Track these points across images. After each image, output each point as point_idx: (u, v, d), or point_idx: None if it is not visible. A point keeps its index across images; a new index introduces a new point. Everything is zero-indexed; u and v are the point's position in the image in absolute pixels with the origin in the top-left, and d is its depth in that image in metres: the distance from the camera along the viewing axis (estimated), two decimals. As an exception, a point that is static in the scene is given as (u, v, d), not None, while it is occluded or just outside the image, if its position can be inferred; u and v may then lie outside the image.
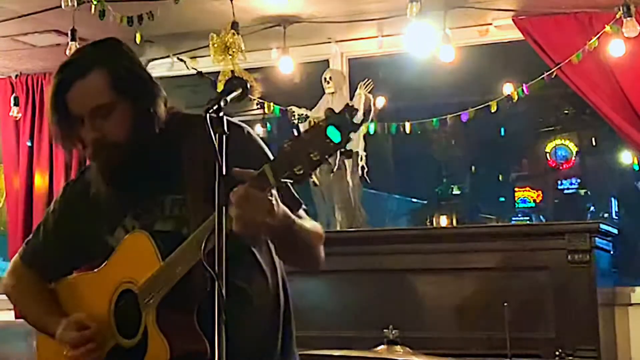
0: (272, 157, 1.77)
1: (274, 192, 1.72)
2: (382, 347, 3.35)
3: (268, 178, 1.66)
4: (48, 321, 2.13)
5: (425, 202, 10.96)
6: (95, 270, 2.11)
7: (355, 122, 1.59)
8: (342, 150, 1.59)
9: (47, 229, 2.22)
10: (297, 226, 1.86)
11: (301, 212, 1.97)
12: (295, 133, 1.64)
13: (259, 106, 4.66)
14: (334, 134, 1.57)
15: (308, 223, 1.95)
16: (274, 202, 1.72)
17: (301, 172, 1.62)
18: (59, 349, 2.07)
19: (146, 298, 1.92)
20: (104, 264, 2.08)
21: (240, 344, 1.81)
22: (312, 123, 1.67)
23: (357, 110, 1.60)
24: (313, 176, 1.57)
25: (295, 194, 1.96)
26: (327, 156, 1.59)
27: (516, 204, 10.38)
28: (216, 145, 1.67)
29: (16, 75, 5.42)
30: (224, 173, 1.67)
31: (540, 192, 10.39)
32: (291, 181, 1.66)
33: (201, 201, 1.81)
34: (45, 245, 2.22)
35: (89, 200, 2.11)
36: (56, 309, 2.15)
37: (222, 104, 1.73)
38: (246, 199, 1.67)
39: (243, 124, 2.05)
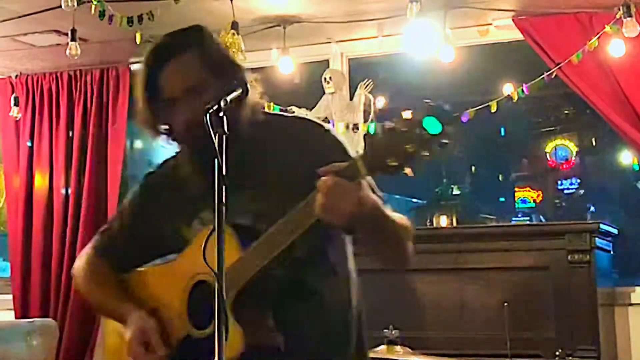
0: (353, 154, 1.77)
1: (365, 183, 1.71)
2: (382, 347, 3.35)
3: (359, 169, 1.65)
4: (121, 310, 2.09)
5: (425, 202, 10.96)
6: (169, 261, 2.09)
7: (451, 114, 1.56)
8: (439, 142, 1.56)
9: (123, 221, 2.20)
10: (386, 218, 1.84)
11: (387, 206, 1.94)
12: (387, 125, 1.61)
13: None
14: (432, 125, 1.55)
15: (396, 216, 1.92)
16: (362, 192, 1.70)
17: (394, 164, 1.60)
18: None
19: (225, 288, 1.91)
20: (179, 254, 2.05)
21: (312, 343, 1.85)
22: (409, 115, 1.60)
23: (448, 109, 1.57)
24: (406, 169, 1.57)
25: (376, 189, 1.93)
26: (423, 148, 1.56)
27: (516, 204, 10.38)
28: (216, 145, 1.67)
29: (16, 75, 5.41)
30: (224, 173, 1.67)
31: (540, 192, 10.39)
32: (383, 173, 1.64)
33: (283, 200, 1.81)
34: (120, 237, 2.19)
35: (169, 191, 2.10)
36: (126, 296, 2.12)
37: (222, 104, 1.73)
38: (333, 187, 1.67)
39: (323, 123, 2.06)
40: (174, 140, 2.03)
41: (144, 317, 2.02)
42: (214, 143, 1.68)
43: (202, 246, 1.71)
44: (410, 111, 1.59)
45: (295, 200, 1.79)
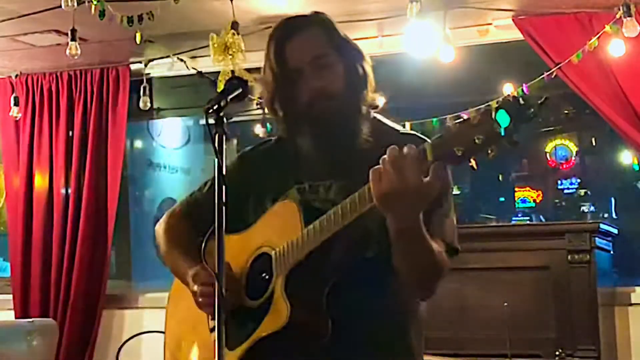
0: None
1: (435, 169, 1.67)
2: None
3: (427, 153, 1.64)
4: (184, 265, 2.14)
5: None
6: (243, 231, 2.12)
7: (529, 113, 1.53)
8: (509, 139, 1.53)
9: (212, 187, 2.21)
10: (424, 231, 1.80)
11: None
12: (465, 116, 1.62)
13: (259, 106, 4.66)
14: (502, 119, 1.53)
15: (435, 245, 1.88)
16: (430, 178, 1.65)
17: (460, 153, 1.58)
18: (188, 296, 2.09)
19: (280, 262, 1.95)
20: (253, 224, 2.10)
21: (361, 335, 1.89)
22: (486, 108, 1.59)
23: (534, 104, 1.54)
24: (472, 161, 1.56)
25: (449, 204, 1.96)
26: (491, 141, 1.55)
27: (516, 204, 10.37)
28: (216, 145, 1.67)
29: (16, 75, 5.42)
30: (224, 173, 1.67)
31: (540, 192, 10.38)
32: (448, 161, 1.64)
33: (365, 198, 1.80)
34: (207, 201, 2.17)
35: (265, 167, 2.14)
36: (196, 257, 2.11)
37: (222, 104, 1.73)
38: (397, 160, 1.65)
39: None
40: (290, 119, 2.05)
41: (208, 268, 2.03)
42: (213, 143, 1.68)
43: (202, 246, 1.71)
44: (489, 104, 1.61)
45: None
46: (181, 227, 2.26)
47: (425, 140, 1.99)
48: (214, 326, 2.00)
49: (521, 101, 1.53)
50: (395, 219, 1.75)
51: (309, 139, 2.01)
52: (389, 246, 1.83)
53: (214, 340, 1.78)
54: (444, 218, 1.95)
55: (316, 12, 2.13)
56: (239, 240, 2.12)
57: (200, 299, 2.03)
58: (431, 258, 1.87)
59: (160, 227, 2.29)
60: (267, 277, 1.98)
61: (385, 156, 1.68)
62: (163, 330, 2.32)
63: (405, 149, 1.67)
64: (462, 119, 1.61)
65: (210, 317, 2.09)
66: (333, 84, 1.99)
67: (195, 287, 2.04)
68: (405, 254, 1.84)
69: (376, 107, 2.10)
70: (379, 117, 2.13)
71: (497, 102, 1.55)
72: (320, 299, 1.89)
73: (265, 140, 2.25)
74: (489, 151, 1.56)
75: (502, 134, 1.52)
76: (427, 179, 1.65)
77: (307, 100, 1.99)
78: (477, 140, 1.55)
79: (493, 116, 1.53)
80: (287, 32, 2.05)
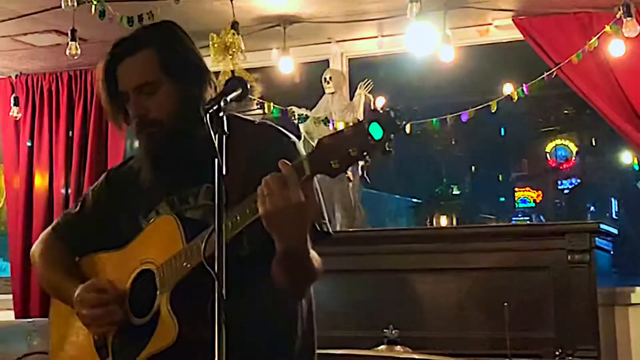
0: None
1: (312, 183, 1.73)
2: (382, 347, 3.35)
3: (304, 168, 1.69)
4: (67, 286, 2.15)
5: (425, 202, 10.96)
6: (121, 249, 2.12)
7: (398, 122, 1.60)
8: (382, 149, 1.60)
9: (86, 206, 2.25)
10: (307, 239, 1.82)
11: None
12: (338, 128, 1.65)
13: (258, 106, 4.66)
14: (375, 131, 1.59)
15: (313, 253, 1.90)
16: (308, 193, 1.71)
17: (337, 166, 1.63)
18: (71, 316, 2.15)
19: (163, 279, 1.95)
20: (131, 242, 2.10)
21: (249, 341, 1.85)
22: (357, 120, 1.65)
23: (403, 113, 1.61)
24: (348, 172, 1.62)
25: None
26: (364, 152, 1.61)
27: (516, 204, 10.38)
28: (216, 145, 1.67)
29: (16, 75, 5.42)
30: (224, 173, 1.67)
31: (540, 192, 10.39)
32: (326, 174, 1.67)
33: (235, 194, 1.81)
34: (80, 221, 2.25)
35: (131, 183, 2.15)
36: (78, 278, 2.15)
37: (222, 104, 1.73)
38: (279, 181, 1.69)
39: (290, 134, 2.07)
40: (132, 132, 2.09)
41: (90, 284, 2.08)
42: (213, 143, 1.68)
43: (203, 246, 1.71)
44: (359, 118, 1.65)
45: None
46: (57, 248, 2.26)
47: (287, 135, 2.07)
48: (104, 355, 2.08)
49: (392, 114, 1.60)
50: (282, 238, 1.77)
51: (152, 157, 2.04)
52: (262, 243, 1.83)
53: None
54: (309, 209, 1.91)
55: (163, 26, 2.13)
56: (117, 257, 2.12)
57: (89, 322, 2.06)
58: (311, 274, 1.90)
59: (35, 251, 2.29)
60: (151, 293, 1.97)
61: (266, 177, 1.71)
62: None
63: (282, 169, 1.70)
64: (334, 132, 1.67)
65: (95, 338, 2.12)
66: (156, 110, 1.99)
67: (82, 311, 2.06)
68: (288, 273, 1.86)
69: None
70: (235, 114, 2.12)
71: (367, 117, 1.61)
72: (206, 309, 1.83)
73: (131, 157, 2.27)
74: (365, 161, 1.63)
75: (376, 145, 1.59)
76: (306, 195, 1.70)
77: (134, 125, 2.03)
78: (351, 152, 1.61)
79: (366, 129, 1.59)
80: (117, 55, 2.06)
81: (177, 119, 1.99)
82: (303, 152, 2.01)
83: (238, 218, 1.81)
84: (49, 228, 2.33)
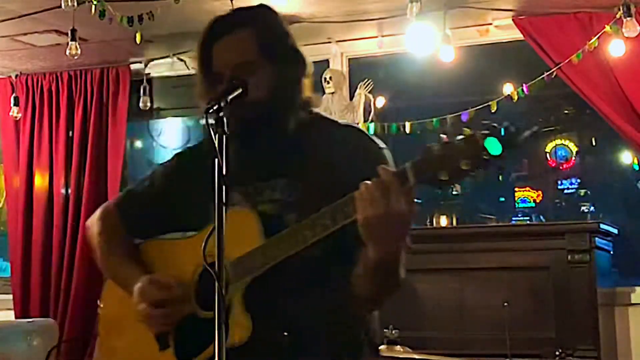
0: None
1: (413, 196, 1.62)
2: (382, 347, 3.35)
3: (408, 176, 1.60)
4: (127, 271, 2.07)
5: (425, 202, 10.94)
6: (189, 236, 2.05)
7: (519, 139, 1.52)
8: (498, 165, 1.53)
9: (153, 186, 2.15)
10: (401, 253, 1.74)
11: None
12: (446, 138, 1.56)
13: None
14: (493, 146, 1.51)
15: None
16: (410, 201, 1.62)
17: (445, 179, 1.55)
18: (125, 299, 2.03)
19: (237, 274, 1.87)
20: (199, 231, 2.01)
21: (319, 345, 1.84)
22: (471, 131, 1.55)
23: (522, 129, 1.53)
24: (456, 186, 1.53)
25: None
26: (478, 168, 1.53)
27: (516, 204, 10.36)
28: (216, 145, 1.66)
29: (16, 75, 5.42)
30: (224, 173, 1.67)
31: (540, 192, 10.37)
32: (431, 185, 1.59)
33: (316, 195, 1.77)
34: (147, 200, 2.15)
35: (204, 166, 2.01)
36: (138, 263, 2.08)
37: (222, 104, 1.73)
38: (380, 187, 1.61)
39: (380, 142, 1.98)
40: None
41: (154, 278, 1.99)
42: (214, 143, 1.67)
43: (203, 246, 1.70)
44: (469, 128, 1.55)
45: (332, 198, 1.74)
46: (119, 227, 2.15)
47: (364, 133, 2.00)
48: (164, 345, 2.00)
49: (511, 129, 1.51)
50: (377, 248, 1.69)
51: (238, 141, 1.92)
52: (338, 245, 1.79)
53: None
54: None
55: (261, 7, 2.04)
56: (185, 245, 2.06)
57: (146, 320, 1.99)
58: (396, 287, 1.83)
59: (94, 227, 2.18)
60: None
61: (367, 182, 1.64)
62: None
63: (384, 176, 1.62)
64: (445, 142, 1.56)
65: (156, 336, 2.03)
66: (252, 91, 1.90)
67: (142, 306, 1.98)
68: (373, 283, 1.79)
69: (311, 107, 2.03)
70: (322, 113, 2.08)
71: (485, 130, 1.52)
72: (278, 309, 1.85)
73: (201, 140, 2.17)
74: (476, 176, 1.56)
75: (491, 161, 1.51)
76: (409, 203, 1.62)
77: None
78: (463, 165, 1.53)
79: (481, 143, 1.51)
80: (215, 33, 1.98)
81: (272, 102, 1.92)
82: (391, 160, 1.90)
83: (329, 222, 1.73)
84: (112, 204, 2.19)
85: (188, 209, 2.07)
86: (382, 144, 1.97)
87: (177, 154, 2.20)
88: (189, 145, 2.22)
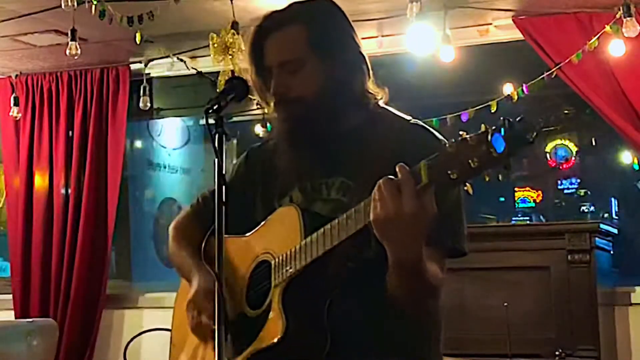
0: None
1: (430, 192, 1.58)
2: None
3: (421, 175, 1.56)
4: (190, 266, 2.10)
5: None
6: (247, 235, 2.07)
7: (527, 137, 1.45)
8: (505, 163, 1.46)
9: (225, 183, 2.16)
10: (422, 254, 1.68)
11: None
12: (464, 135, 1.51)
13: (258, 106, 4.66)
14: (498, 144, 1.45)
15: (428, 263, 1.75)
16: (424, 200, 1.58)
17: (455, 176, 1.50)
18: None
19: (279, 272, 1.88)
20: (257, 228, 2.03)
21: (362, 350, 1.81)
22: (483, 129, 1.49)
23: (533, 125, 1.46)
24: (467, 185, 1.46)
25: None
26: (485, 166, 1.47)
27: (516, 204, 10.36)
28: (216, 145, 1.66)
29: (16, 75, 5.42)
30: (224, 172, 1.67)
31: (540, 192, 10.37)
32: (443, 183, 1.54)
33: (368, 194, 1.72)
34: (214, 201, 2.13)
35: (270, 162, 2.07)
36: (201, 258, 2.10)
37: (222, 104, 1.73)
38: (392, 186, 1.58)
39: (441, 137, 1.92)
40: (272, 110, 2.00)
41: (212, 280, 1.96)
42: (213, 143, 1.67)
43: (202, 245, 1.69)
44: (484, 125, 1.49)
45: None
46: (190, 226, 2.20)
47: (429, 131, 1.95)
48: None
49: (517, 126, 1.46)
50: (393, 249, 1.66)
51: (287, 139, 1.96)
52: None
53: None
54: (443, 220, 1.75)
55: (315, 2, 2.03)
56: (245, 243, 2.07)
57: (198, 331, 2.00)
58: (426, 290, 1.78)
59: (171, 226, 2.26)
60: (267, 286, 1.92)
61: (380, 181, 1.61)
62: (168, 328, 2.27)
63: (399, 174, 1.59)
64: (460, 139, 1.52)
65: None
66: (300, 88, 1.91)
67: (190, 312, 2.00)
68: (400, 285, 1.74)
69: (376, 102, 2.01)
70: (387, 108, 2.04)
71: (493, 126, 1.48)
72: (320, 310, 1.81)
73: (267, 139, 2.21)
74: (485, 175, 1.52)
75: (496, 158, 1.45)
76: (423, 202, 1.58)
77: (274, 102, 1.95)
78: (472, 164, 1.47)
79: (489, 139, 1.46)
80: (266, 28, 1.98)
81: (320, 99, 1.90)
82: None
83: (348, 221, 1.72)
84: (188, 206, 2.27)
85: (255, 205, 2.08)
86: (444, 140, 1.90)
87: (248, 150, 2.21)
88: (260, 141, 2.24)
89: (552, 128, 9.86)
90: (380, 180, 1.61)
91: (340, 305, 1.82)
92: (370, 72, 2.01)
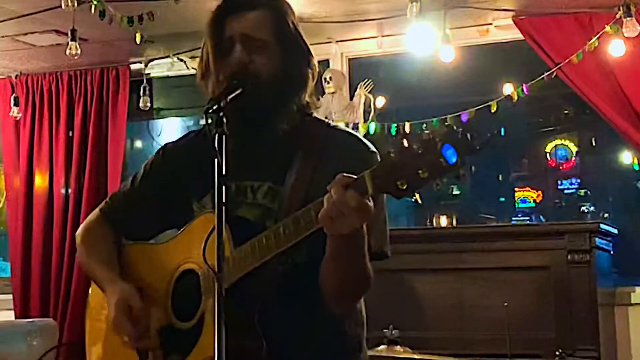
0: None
1: (370, 204, 1.56)
2: (382, 347, 3.35)
3: (367, 185, 1.52)
4: (103, 275, 2.02)
5: (425, 202, 10.95)
6: (167, 241, 2.01)
7: (477, 146, 1.41)
8: (456, 173, 1.43)
9: (134, 186, 2.10)
10: (365, 248, 1.71)
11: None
12: (405, 143, 1.46)
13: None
14: (449, 154, 1.41)
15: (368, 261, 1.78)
16: (371, 211, 1.56)
17: (404, 187, 1.46)
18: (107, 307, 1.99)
19: (209, 283, 1.83)
20: (175, 236, 1.97)
21: (298, 353, 1.81)
22: (428, 136, 1.44)
23: (479, 135, 1.42)
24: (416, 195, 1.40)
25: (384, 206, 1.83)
26: (436, 176, 1.43)
27: (516, 204, 10.37)
28: (216, 145, 1.65)
29: (16, 75, 5.42)
30: (224, 173, 1.66)
31: (540, 192, 10.38)
32: (390, 194, 1.50)
33: (298, 201, 1.72)
34: (128, 201, 2.10)
35: (188, 158, 2.01)
36: (115, 266, 2.04)
37: (222, 104, 1.73)
38: (342, 200, 1.55)
39: (371, 145, 1.91)
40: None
41: (130, 290, 1.94)
42: (213, 143, 1.66)
43: (203, 242, 1.67)
44: (429, 132, 1.45)
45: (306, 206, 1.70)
46: (101, 232, 2.12)
47: (355, 136, 1.93)
48: (144, 357, 1.95)
49: (468, 136, 1.41)
50: (332, 239, 1.68)
51: (229, 129, 1.81)
52: (322, 248, 1.73)
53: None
54: (371, 224, 1.75)
55: None
56: (163, 251, 2.01)
57: (121, 333, 1.94)
58: (363, 279, 1.79)
59: (79, 231, 2.16)
60: (195, 296, 1.86)
61: (326, 197, 1.58)
62: None
63: (343, 191, 1.55)
64: (404, 147, 1.46)
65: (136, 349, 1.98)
66: (262, 65, 1.86)
67: (113, 314, 1.92)
68: (340, 278, 1.74)
69: (309, 112, 1.97)
70: (315, 116, 2.00)
71: (440, 136, 1.43)
72: (253, 317, 1.78)
73: (191, 131, 2.12)
74: (436, 184, 1.47)
75: (448, 168, 1.41)
76: (365, 211, 1.56)
77: (230, 72, 1.86)
78: (422, 174, 1.43)
79: (438, 149, 1.41)
80: (229, 8, 1.94)
81: (274, 82, 1.87)
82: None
83: (286, 231, 1.70)
84: (98, 208, 2.16)
85: (172, 206, 2.03)
86: (372, 148, 1.90)
87: (165, 146, 2.13)
88: (183, 134, 2.16)
89: (552, 128, 9.86)
90: (326, 196, 1.58)
91: (273, 310, 1.80)
92: (316, 69, 1.97)
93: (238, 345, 1.73)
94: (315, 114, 2.01)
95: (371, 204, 1.57)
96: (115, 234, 2.12)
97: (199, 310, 1.86)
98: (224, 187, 1.64)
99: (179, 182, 2.02)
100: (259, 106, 1.86)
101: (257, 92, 1.84)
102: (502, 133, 9.93)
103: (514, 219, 9.95)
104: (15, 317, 5.26)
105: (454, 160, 1.40)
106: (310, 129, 1.95)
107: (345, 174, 1.58)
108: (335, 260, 1.73)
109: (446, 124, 1.46)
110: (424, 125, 4.55)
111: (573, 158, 10.00)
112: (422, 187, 1.47)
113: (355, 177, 1.55)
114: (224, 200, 1.64)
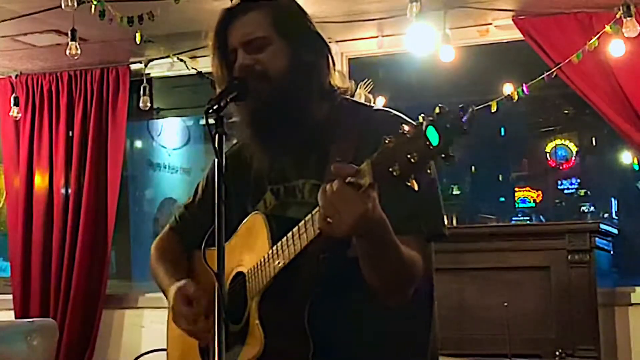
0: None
1: (373, 193, 1.51)
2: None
3: (365, 175, 1.47)
4: (166, 283, 2.06)
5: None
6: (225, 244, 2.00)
7: (458, 125, 1.38)
8: (443, 155, 1.37)
9: (197, 194, 2.15)
10: (391, 238, 1.62)
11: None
12: (406, 128, 1.42)
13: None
14: (432, 136, 1.37)
15: (404, 248, 1.69)
16: (369, 204, 1.50)
17: (397, 173, 1.41)
18: None
19: (252, 284, 1.83)
20: (230, 239, 1.95)
21: (348, 355, 1.77)
22: (421, 120, 1.40)
23: (466, 113, 1.40)
24: (412, 181, 1.33)
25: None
26: (424, 160, 1.39)
27: (516, 204, 10.36)
28: (216, 145, 1.66)
29: (16, 75, 5.42)
30: (223, 172, 1.66)
31: (540, 192, 10.37)
32: (388, 183, 1.45)
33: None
34: (191, 211, 2.15)
35: (241, 164, 2.01)
36: (179, 271, 2.08)
37: (222, 104, 1.72)
38: (334, 196, 1.50)
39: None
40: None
41: (187, 282, 1.97)
42: (213, 143, 1.66)
43: (202, 245, 1.67)
44: (422, 116, 1.41)
45: None
46: (169, 241, 2.19)
47: (397, 117, 1.83)
48: (203, 349, 1.97)
49: (448, 116, 1.38)
50: (346, 237, 1.60)
51: (257, 119, 1.84)
52: None
53: None
54: (418, 204, 1.71)
55: None
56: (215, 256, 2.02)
57: (175, 318, 1.97)
58: (402, 274, 1.71)
59: (152, 246, 2.23)
60: (244, 299, 1.87)
61: (320, 193, 1.53)
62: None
63: (338, 185, 1.50)
64: (402, 133, 1.42)
65: (200, 348, 2.01)
66: (268, 61, 1.83)
67: (171, 304, 1.97)
68: (373, 270, 1.68)
69: (341, 97, 1.92)
70: (351, 99, 1.95)
71: (424, 118, 1.39)
72: (300, 319, 1.73)
73: (235, 142, 2.12)
74: (428, 170, 1.45)
75: (433, 150, 1.37)
76: (364, 202, 1.50)
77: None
78: (412, 159, 1.39)
79: (423, 132, 1.37)
80: (230, 14, 1.92)
81: (287, 81, 1.82)
82: None
83: (308, 223, 1.66)
84: (171, 219, 2.22)
85: (231, 212, 1.96)
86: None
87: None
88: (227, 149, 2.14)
89: (552, 128, 9.86)
90: (327, 186, 1.53)
91: (321, 306, 1.75)
92: (336, 64, 1.93)
93: (283, 347, 1.73)
94: (348, 97, 1.95)
95: (374, 194, 1.52)
96: (182, 244, 2.16)
97: (245, 313, 1.86)
98: (223, 187, 1.65)
99: (235, 187, 1.99)
100: (277, 101, 1.82)
101: (272, 97, 1.82)
102: (502, 133, 9.94)
103: (514, 219, 9.94)
104: (15, 317, 5.26)
105: (436, 142, 1.36)
106: (347, 115, 1.89)
107: (339, 165, 1.53)
108: (364, 259, 1.67)
109: (439, 105, 1.40)
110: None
111: (573, 158, 9.99)
112: (415, 172, 1.42)
113: (354, 169, 1.50)
114: (223, 200, 1.65)
